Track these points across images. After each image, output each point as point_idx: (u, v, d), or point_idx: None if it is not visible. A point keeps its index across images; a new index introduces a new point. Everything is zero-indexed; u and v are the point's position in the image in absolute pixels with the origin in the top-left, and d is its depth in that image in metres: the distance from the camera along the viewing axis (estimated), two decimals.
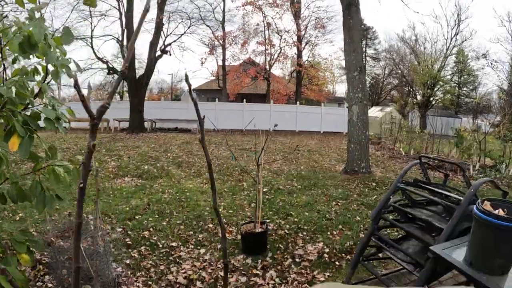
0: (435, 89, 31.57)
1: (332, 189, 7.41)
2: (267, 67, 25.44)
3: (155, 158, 10.76)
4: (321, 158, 12.13)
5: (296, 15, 25.35)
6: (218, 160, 10.26)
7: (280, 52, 25.37)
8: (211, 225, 5.02)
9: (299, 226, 4.96)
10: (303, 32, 26.26)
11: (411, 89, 37.05)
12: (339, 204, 6.24)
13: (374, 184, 8.13)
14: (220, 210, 5.69)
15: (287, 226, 4.99)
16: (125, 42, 19.21)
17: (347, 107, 28.13)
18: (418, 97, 32.75)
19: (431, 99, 32.00)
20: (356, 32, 8.53)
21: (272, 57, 25.37)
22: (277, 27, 25.54)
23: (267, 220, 5.12)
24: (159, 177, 8.35)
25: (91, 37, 19.46)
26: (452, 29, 31.10)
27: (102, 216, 5.87)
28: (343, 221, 5.17)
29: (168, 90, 50.45)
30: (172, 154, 11.44)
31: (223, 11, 25.85)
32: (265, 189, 7.03)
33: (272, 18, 25.17)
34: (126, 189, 7.44)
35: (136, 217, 5.65)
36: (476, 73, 32.49)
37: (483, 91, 39.10)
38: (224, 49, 25.96)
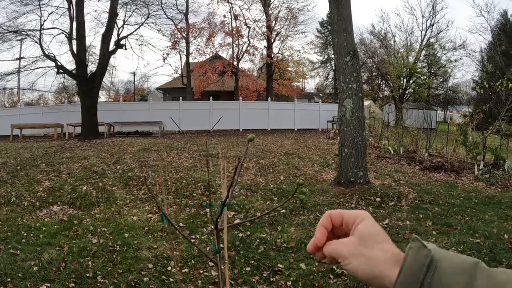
0: (411, 81, 30.64)
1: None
2: (235, 61, 23.44)
3: (100, 173, 8.63)
4: (302, 163, 10.31)
5: (266, 4, 23.44)
6: (177, 173, 8.21)
7: (249, 44, 23.45)
8: None
9: None
10: (273, 23, 24.42)
11: (385, 82, 36.00)
12: None
13: (378, 199, 6.36)
14: (168, 269, 3.71)
15: None
16: (74, 35, 16.69)
17: (322, 102, 26.54)
18: (393, 90, 31.74)
19: (406, 91, 31.05)
20: (346, 7, 6.69)
21: (241, 48, 23.39)
22: (245, 18, 23.60)
23: None
24: (96, 204, 6.26)
25: (40, 31, 16.70)
26: (427, 20, 30.18)
27: None
28: None
29: (135, 90, 47.74)
30: (123, 166, 9.33)
31: (186, 2, 23.64)
32: (237, 220, 5.10)
33: (239, 8, 23.22)
34: (48, 227, 5.32)
35: (42, 287, 3.63)
36: (453, 64, 31.72)
37: (453, 83, 39.00)
38: (188, 43, 23.73)
